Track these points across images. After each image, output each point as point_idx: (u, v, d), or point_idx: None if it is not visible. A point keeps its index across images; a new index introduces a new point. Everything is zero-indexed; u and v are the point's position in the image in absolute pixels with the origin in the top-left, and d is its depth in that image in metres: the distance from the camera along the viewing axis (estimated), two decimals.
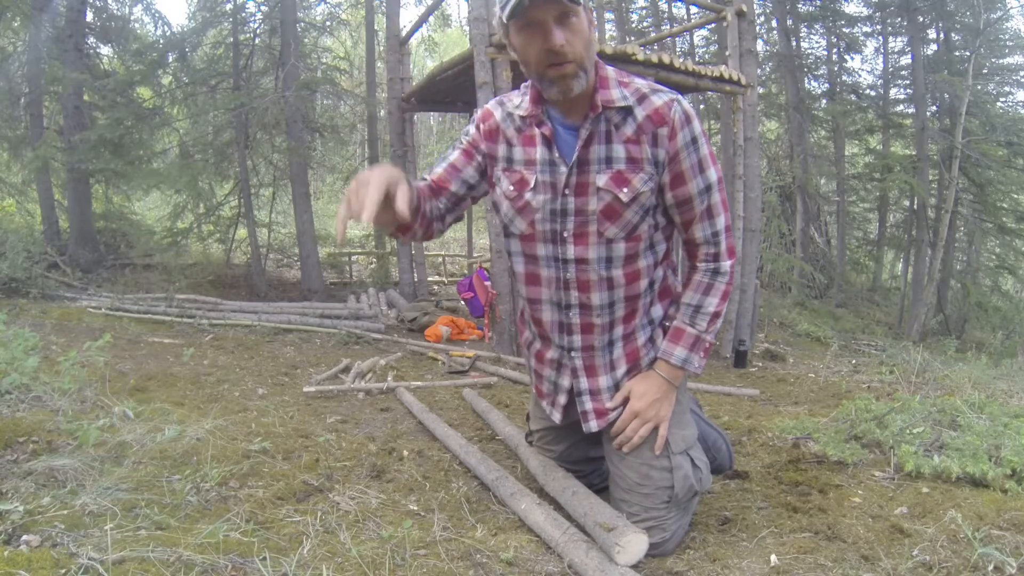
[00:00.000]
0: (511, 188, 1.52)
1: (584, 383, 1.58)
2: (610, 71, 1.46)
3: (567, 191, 1.46)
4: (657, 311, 1.59)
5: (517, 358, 4.38)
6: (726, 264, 1.53)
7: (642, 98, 1.43)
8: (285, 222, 9.82)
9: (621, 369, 1.56)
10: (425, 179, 1.58)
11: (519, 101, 1.52)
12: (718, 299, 1.51)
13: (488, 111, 1.57)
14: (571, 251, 1.49)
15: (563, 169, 1.45)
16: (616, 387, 1.56)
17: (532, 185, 1.48)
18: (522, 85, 1.56)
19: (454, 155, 1.59)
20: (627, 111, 1.42)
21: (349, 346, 4.80)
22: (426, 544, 1.44)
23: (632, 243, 1.48)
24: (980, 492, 1.72)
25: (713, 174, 1.47)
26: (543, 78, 1.38)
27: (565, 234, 1.48)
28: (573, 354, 1.57)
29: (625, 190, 1.43)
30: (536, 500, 1.60)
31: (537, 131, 1.48)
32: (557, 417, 1.65)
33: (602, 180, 1.43)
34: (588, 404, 1.58)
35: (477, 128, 1.57)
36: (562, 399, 1.63)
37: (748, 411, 3.16)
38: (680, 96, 1.46)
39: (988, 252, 13.47)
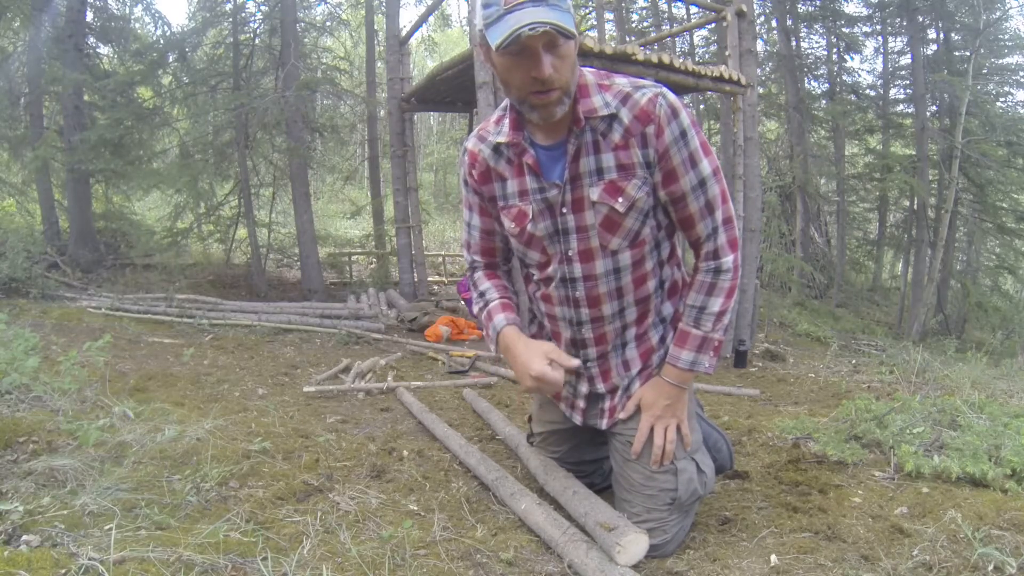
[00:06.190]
0: (513, 225, 1.52)
1: (601, 386, 1.60)
2: (589, 76, 1.41)
3: (564, 209, 1.45)
4: (668, 308, 1.59)
5: None
6: (728, 260, 1.47)
7: (626, 98, 1.38)
8: (285, 222, 9.81)
9: (635, 368, 1.57)
10: (477, 261, 1.68)
11: (499, 128, 1.50)
12: (722, 298, 1.48)
13: (473, 153, 1.56)
14: (578, 270, 1.49)
15: (555, 191, 1.44)
16: (629, 386, 1.57)
17: (531, 216, 1.49)
18: (498, 108, 1.54)
19: (476, 220, 1.64)
20: (612, 117, 1.38)
21: (349, 346, 4.80)
22: (426, 544, 1.44)
23: (637, 249, 1.47)
24: (980, 492, 1.72)
25: (707, 166, 1.42)
26: (525, 103, 1.35)
27: (570, 253, 1.48)
28: (589, 364, 1.60)
29: (620, 200, 1.41)
30: (536, 500, 1.60)
31: (523, 160, 1.47)
32: (578, 419, 1.67)
33: (596, 193, 1.41)
34: (607, 403, 1.61)
35: (471, 176, 1.57)
36: (581, 403, 1.66)
37: (748, 411, 3.16)
38: (665, 88, 1.40)
39: (988, 252, 13.46)
